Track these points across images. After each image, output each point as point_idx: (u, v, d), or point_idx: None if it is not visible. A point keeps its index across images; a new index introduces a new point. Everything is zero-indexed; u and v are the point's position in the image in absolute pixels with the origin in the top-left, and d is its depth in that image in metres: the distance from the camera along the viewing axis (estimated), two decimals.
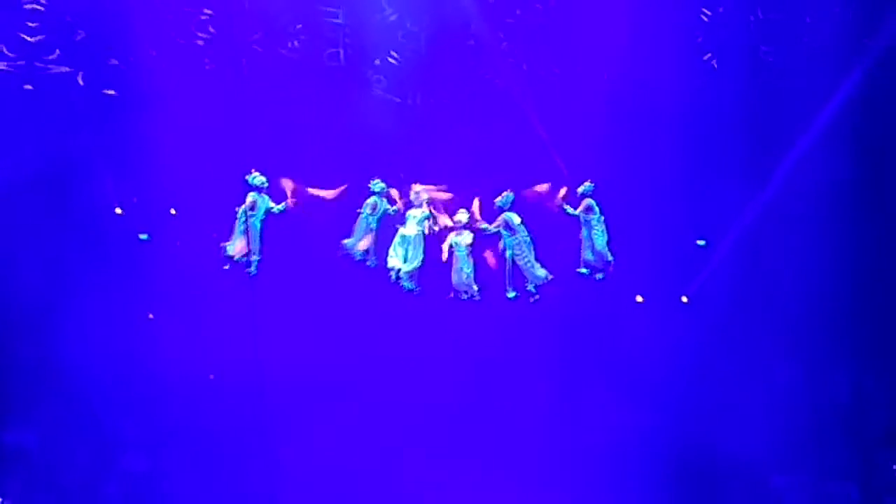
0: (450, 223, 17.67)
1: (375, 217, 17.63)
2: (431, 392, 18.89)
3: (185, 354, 18.39)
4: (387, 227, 17.72)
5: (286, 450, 18.83)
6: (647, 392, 18.98)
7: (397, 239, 17.52)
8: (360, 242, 17.66)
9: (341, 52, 18.82)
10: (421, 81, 18.91)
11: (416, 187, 17.76)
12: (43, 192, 18.10)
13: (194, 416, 18.47)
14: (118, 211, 18.63)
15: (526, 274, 17.60)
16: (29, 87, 17.81)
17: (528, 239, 17.58)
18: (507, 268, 17.59)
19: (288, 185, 17.69)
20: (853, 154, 18.14)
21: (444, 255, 17.60)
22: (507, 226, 17.53)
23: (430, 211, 17.57)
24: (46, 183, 18.14)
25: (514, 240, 17.54)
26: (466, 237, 17.58)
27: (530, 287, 17.59)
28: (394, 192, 17.82)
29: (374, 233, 17.62)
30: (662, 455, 18.68)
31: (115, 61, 18.39)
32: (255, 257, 17.40)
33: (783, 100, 18.72)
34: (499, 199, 17.63)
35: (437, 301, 18.02)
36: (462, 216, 17.68)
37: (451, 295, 17.76)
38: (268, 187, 17.42)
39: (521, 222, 17.61)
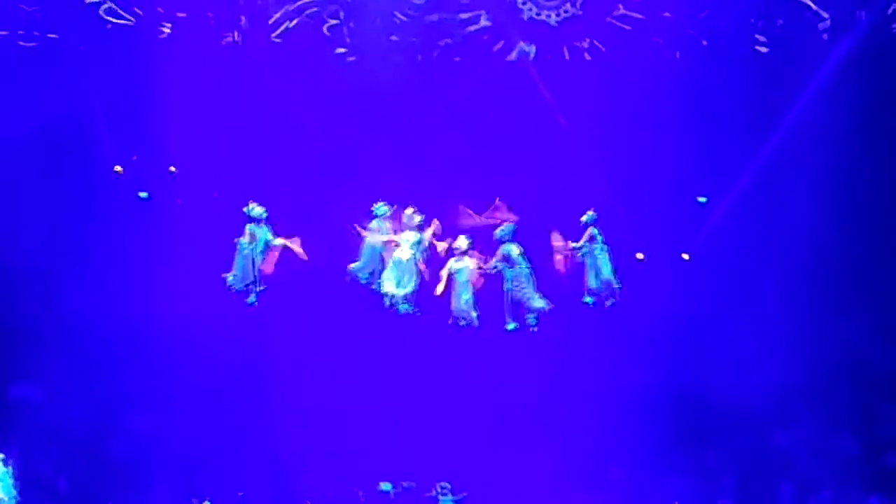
0: (444, 247, 17.39)
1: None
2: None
3: (189, 311, 18.41)
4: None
5: (286, 412, 18.87)
6: (649, 348, 18.99)
7: (391, 263, 17.27)
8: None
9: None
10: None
11: (408, 211, 17.42)
12: (44, 149, 18.11)
13: (199, 376, 18.50)
14: (118, 169, 18.64)
15: (525, 305, 17.39)
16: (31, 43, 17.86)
17: (528, 270, 17.35)
18: (507, 300, 17.39)
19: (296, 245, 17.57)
20: (854, 108, 18.07)
21: (442, 286, 17.29)
22: (507, 258, 17.28)
23: (427, 237, 17.26)
24: (47, 141, 18.16)
25: (513, 272, 17.30)
26: (467, 264, 17.33)
27: (530, 319, 17.43)
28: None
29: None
30: (665, 409, 18.69)
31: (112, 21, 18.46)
32: (256, 288, 17.31)
33: (784, 58, 18.71)
34: (498, 230, 17.38)
35: (436, 327, 17.89)
36: (462, 243, 17.40)
37: (451, 321, 17.55)
38: (266, 217, 17.19)
39: (521, 253, 17.37)
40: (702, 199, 19.76)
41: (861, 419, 17.77)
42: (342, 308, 18.59)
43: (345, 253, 17.89)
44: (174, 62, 18.76)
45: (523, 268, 17.29)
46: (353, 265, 17.65)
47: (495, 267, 17.34)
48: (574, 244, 17.40)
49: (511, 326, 17.38)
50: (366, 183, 18.82)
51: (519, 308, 17.37)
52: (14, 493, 15.61)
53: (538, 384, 18.89)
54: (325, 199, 19.14)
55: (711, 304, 19.18)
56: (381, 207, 17.58)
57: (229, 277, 17.11)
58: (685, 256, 19.88)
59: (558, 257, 17.76)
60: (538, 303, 17.30)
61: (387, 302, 17.32)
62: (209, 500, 17.17)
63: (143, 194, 18.66)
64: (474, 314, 17.33)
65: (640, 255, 20.04)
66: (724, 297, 19.29)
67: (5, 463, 15.57)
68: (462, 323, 17.41)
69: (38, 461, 16.73)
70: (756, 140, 19.05)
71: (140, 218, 18.76)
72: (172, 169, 18.75)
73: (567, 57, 19.50)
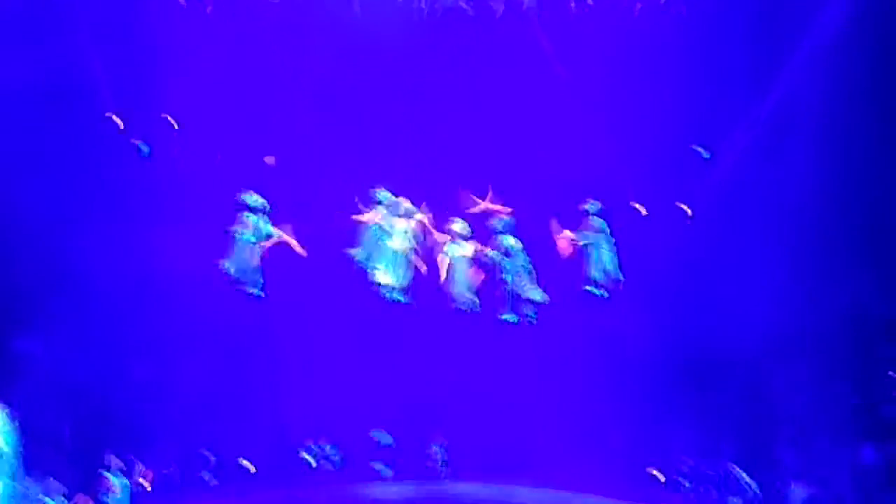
0: (443, 237, 17.26)
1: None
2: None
3: (191, 263, 18.44)
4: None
5: (288, 361, 18.98)
6: (650, 300, 19.05)
7: (384, 254, 17.11)
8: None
9: None
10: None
11: (401, 199, 17.25)
12: (44, 102, 18.00)
13: (200, 328, 18.57)
14: (119, 123, 18.59)
15: (523, 297, 17.25)
16: None
17: (527, 263, 17.24)
18: (505, 291, 17.27)
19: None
20: (860, 55, 17.91)
21: (443, 272, 17.17)
22: (506, 251, 17.17)
23: (423, 224, 17.16)
24: (48, 94, 18.05)
25: (511, 264, 17.18)
26: (465, 248, 17.22)
27: (528, 311, 17.30)
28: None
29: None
30: (664, 361, 18.79)
31: None
32: (257, 279, 17.23)
33: (787, 7, 18.55)
34: (496, 222, 17.31)
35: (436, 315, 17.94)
36: (460, 227, 17.33)
37: (453, 305, 17.43)
38: (267, 209, 17.06)
39: (520, 245, 17.24)
40: (704, 153, 19.77)
41: (858, 369, 17.78)
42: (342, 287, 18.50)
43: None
44: (176, 13, 18.66)
45: (522, 260, 17.20)
46: (354, 251, 17.50)
47: (493, 258, 17.21)
48: (571, 234, 17.27)
49: (510, 318, 17.27)
50: (366, 159, 18.87)
51: (517, 300, 17.29)
52: (17, 443, 15.71)
53: (539, 340, 18.96)
54: (325, 168, 19.17)
55: (711, 256, 19.18)
56: (383, 194, 17.41)
57: (226, 266, 17.03)
58: (686, 210, 19.89)
59: (562, 243, 17.62)
60: (536, 295, 17.22)
61: (381, 291, 17.19)
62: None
63: (144, 148, 18.63)
64: (476, 300, 17.29)
65: (641, 209, 20.11)
66: (723, 249, 19.28)
67: (8, 415, 15.65)
68: (462, 307, 17.38)
69: (40, 413, 16.78)
70: (760, 91, 18.93)
71: (141, 172, 18.72)
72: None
73: (572, 5, 19.37)
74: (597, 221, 17.26)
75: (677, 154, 19.51)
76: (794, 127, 18.57)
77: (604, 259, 17.26)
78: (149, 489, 16.75)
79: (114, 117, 18.30)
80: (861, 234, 18.34)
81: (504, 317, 17.16)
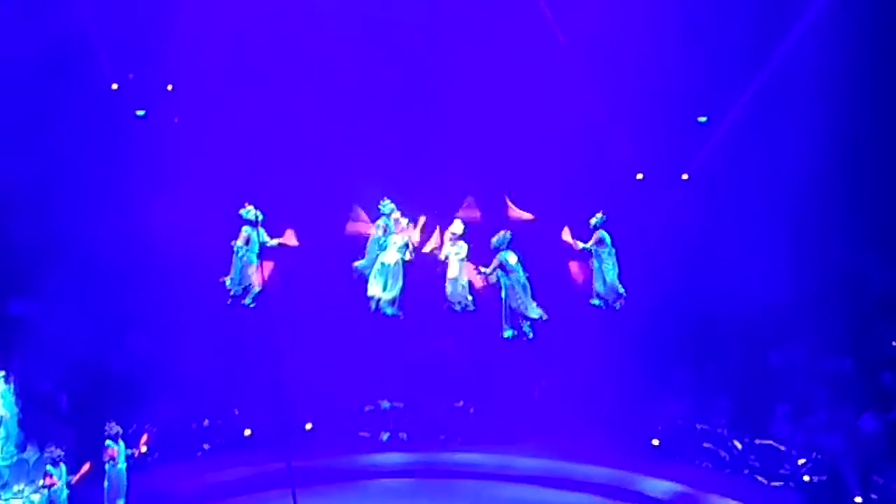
0: (435, 244, 17.24)
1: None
2: None
3: (189, 230, 18.41)
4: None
5: (286, 332, 18.95)
6: (647, 270, 19.02)
7: (377, 266, 17.08)
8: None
9: None
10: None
11: (396, 214, 17.17)
12: (42, 67, 17.93)
13: (198, 296, 18.53)
14: (114, 87, 18.51)
15: (522, 314, 17.19)
16: None
17: (525, 279, 17.12)
18: (504, 307, 17.22)
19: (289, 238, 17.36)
20: (859, 24, 17.83)
21: (453, 272, 17.17)
22: (503, 266, 17.03)
23: (412, 238, 17.08)
24: (45, 59, 17.97)
25: (509, 280, 17.04)
26: (462, 248, 17.15)
27: (526, 327, 17.26)
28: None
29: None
30: (662, 331, 18.80)
31: None
32: (254, 289, 17.18)
33: None
34: (495, 238, 17.12)
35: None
36: (458, 227, 17.27)
37: (445, 306, 17.47)
38: (263, 221, 16.93)
39: (518, 261, 17.14)
40: (701, 119, 19.71)
41: (856, 339, 17.80)
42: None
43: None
44: None
45: (520, 276, 17.09)
46: (358, 262, 17.46)
47: (494, 270, 17.09)
48: (582, 244, 17.19)
49: (508, 334, 17.24)
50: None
51: (515, 316, 17.23)
52: (16, 409, 15.72)
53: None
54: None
55: (709, 225, 19.19)
56: (386, 205, 17.31)
57: (227, 281, 16.98)
58: (684, 177, 19.86)
59: (574, 266, 17.58)
60: (534, 312, 17.18)
61: (372, 305, 17.20)
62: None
63: (139, 112, 18.54)
64: (469, 298, 17.22)
65: (639, 176, 20.08)
66: (722, 219, 19.30)
67: (7, 380, 15.65)
68: (458, 308, 17.32)
69: (39, 379, 16.79)
70: (760, 56, 18.87)
71: (139, 136, 18.64)
72: (170, 87, 18.63)
73: None
74: (600, 233, 17.31)
75: (677, 121, 19.50)
76: (794, 95, 18.52)
77: (605, 271, 17.30)
78: (147, 454, 16.75)
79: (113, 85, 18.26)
80: (861, 203, 18.35)
81: (504, 334, 17.19)
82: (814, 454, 16.51)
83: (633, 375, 18.79)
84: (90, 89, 18.50)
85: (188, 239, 18.48)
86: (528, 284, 17.18)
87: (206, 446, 18.44)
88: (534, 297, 17.23)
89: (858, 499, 15.58)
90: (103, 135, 18.48)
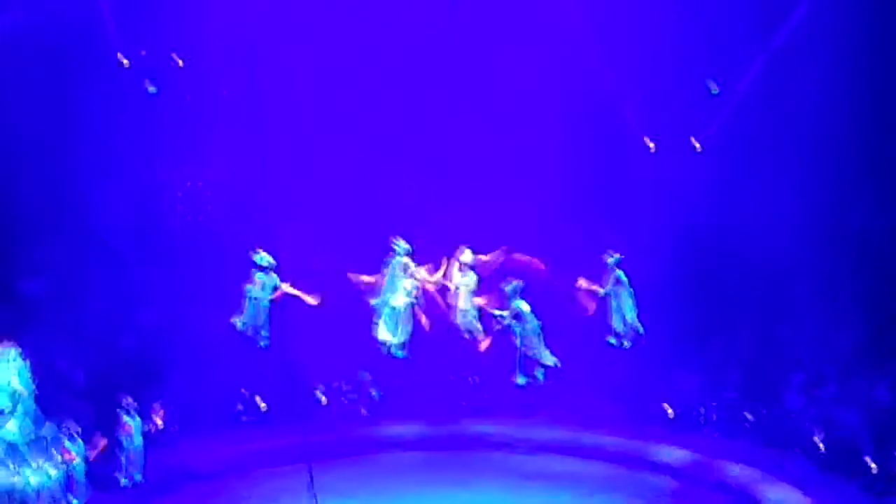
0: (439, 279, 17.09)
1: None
2: None
3: (199, 205, 18.47)
4: None
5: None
6: (655, 237, 19.06)
7: (386, 310, 16.96)
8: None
9: None
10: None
11: (405, 259, 16.94)
12: (54, 42, 17.94)
13: (208, 271, 18.60)
14: (125, 63, 18.53)
15: (535, 361, 17.16)
16: None
17: (537, 326, 17.10)
18: (518, 355, 17.13)
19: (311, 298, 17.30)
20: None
21: (463, 303, 17.05)
22: (518, 316, 17.01)
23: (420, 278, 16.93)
24: (52, 34, 17.97)
25: (523, 329, 17.02)
26: (471, 278, 17.10)
27: (539, 373, 17.21)
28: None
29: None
30: (671, 303, 18.77)
31: None
32: (264, 332, 17.21)
33: None
34: (508, 288, 17.08)
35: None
36: (467, 257, 17.16)
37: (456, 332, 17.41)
38: (275, 266, 16.87)
39: (531, 310, 17.08)
40: (714, 90, 19.65)
41: (870, 309, 17.76)
42: None
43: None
44: None
45: (534, 324, 17.12)
46: (372, 300, 17.31)
47: (510, 319, 17.07)
48: (601, 290, 17.13)
49: (521, 381, 17.23)
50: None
51: (531, 364, 17.23)
52: (32, 386, 15.81)
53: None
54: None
55: (718, 192, 19.13)
56: (401, 245, 17.14)
57: (238, 323, 17.06)
58: (695, 144, 19.81)
59: (589, 304, 17.39)
60: (549, 360, 17.21)
61: (384, 349, 17.17)
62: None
63: (151, 89, 18.56)
64: (479, 327, 17.23)
65: (651, 145, 20.04)
66: (733, 189, 19.25)
67: (22, 356, 15.74)
68: (467, 336, 17.36)
69: (54, 355, 16.89)
70: (769, 24, 18.76)
71: (151, 112, 18.66)
72: (181, 63, 18.66)
73: None
74: (617, 272, 17.30)
75: (688, 90, 19.44)
76: (808, 59, 18.40)
77: (624, 310, 17.33)
78: (162, 427, 16.87)
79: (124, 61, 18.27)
80: (875, 172, 18.26)
81: (516, 381, 17.18)
82: (827, 424, 16.52)
83: (645, 346, 18.74)
84: (102, 66, 18.48)
85: (199, 209, 18.51)
86: (541, 332, 17.21)
87: (222, 420, 18.52)
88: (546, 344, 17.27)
89: (873, 465, 15.63)
90: (114, 111, 18.46)
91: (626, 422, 18.46)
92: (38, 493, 15.14)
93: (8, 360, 15.55)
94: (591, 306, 17.20)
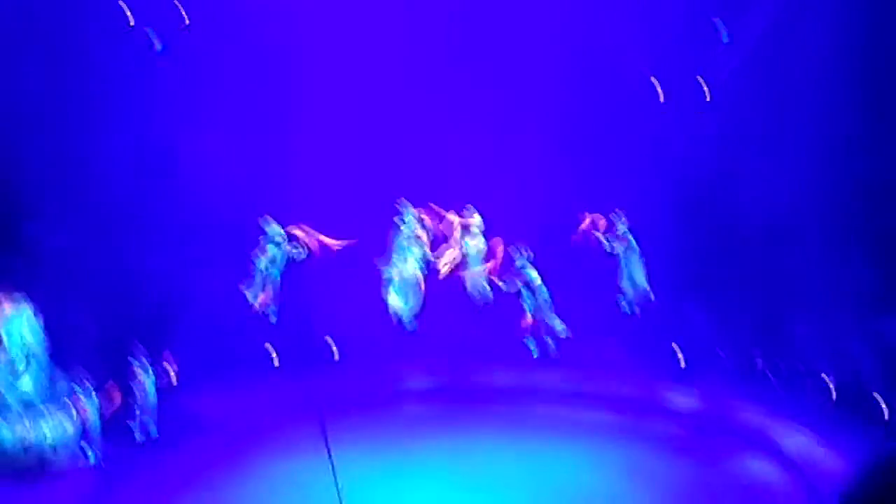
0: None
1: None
2: None
3: (206, 157, 18.48)
4: None
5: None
6: (664, 191, 19.02)
7: (396, 279, 17.11)
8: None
9: None
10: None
11: (416, 227, 17.28)
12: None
13: (217, 219, 18.65)
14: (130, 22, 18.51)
15: (545, 329, 17.47)
16: None
17: (547, 296, 17.35)
18: (528, 324, 17.42)
19: (300, 233, 17.36)
20: None
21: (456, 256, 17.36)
22: (528, 285, 17.25)
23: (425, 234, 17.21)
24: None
25: (533, 299, 17.31)
26: (479, 242, 17.30)
27: (549, 341, 17.52)
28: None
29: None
30: (680, 251, 18.74)
31: None
32: (273, 307, 17.21)
33: None
34: (518, 260, 17.35)
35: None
36: (476, 220, 17.38)
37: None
38: (287, 238, 17.09)
39: (540, 281, 17.37)
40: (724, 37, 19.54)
41: (882, 250, 17.67)
42: None
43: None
44: None
45: (543, 293, 17.35)
46: (383, 267, 17.50)
47: (519, 288, 17.41)
48: (610, 245, 17.34)
49: (532, 346, 17.59)
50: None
51: (540, 329, 17.51)
52: (46, 341, 15.94)
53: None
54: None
55: (722, 129, 19.04)
56: (409, 210, 17.34)
57: (249, 295, 17.03)
58: (703, 86, 19.68)
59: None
60: (558, 327, 17.47)
61: (394, 318, 17.25)
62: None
63: (157, 45, 18.57)
64: (489, 289, 17.25)
65: (660, 95, 19.95)
66: (743, 139, 19.15)
67: (34, 312, 15.85)
68: (478, 299, 17.37)
69: (66, 309, 16.95)
70: None
71: (157, 71, 18.65)
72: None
73: None
74: (627, 237, 17.34)
75: (694, 29, 19.32)
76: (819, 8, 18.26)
77: (634, 274, 17.33)
78: (176, 380, 16.97)
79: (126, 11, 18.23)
80: (887, 118, 18.11)
81: (528, 345, 17.45)
82: (840, 366, 16.51)
83: (656, 296, 18.77)
84: (109, 19, 18.45)
85: (208, 162, 18.54)
86: (549, 300, 17.41)
87: (235, 372, 18.55)
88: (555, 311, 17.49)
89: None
90: (123, 66, 18.43)
91: (636, 370, 18.44)
92: (54, 447, 15.33)
93: (21, 316, 15.74)
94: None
